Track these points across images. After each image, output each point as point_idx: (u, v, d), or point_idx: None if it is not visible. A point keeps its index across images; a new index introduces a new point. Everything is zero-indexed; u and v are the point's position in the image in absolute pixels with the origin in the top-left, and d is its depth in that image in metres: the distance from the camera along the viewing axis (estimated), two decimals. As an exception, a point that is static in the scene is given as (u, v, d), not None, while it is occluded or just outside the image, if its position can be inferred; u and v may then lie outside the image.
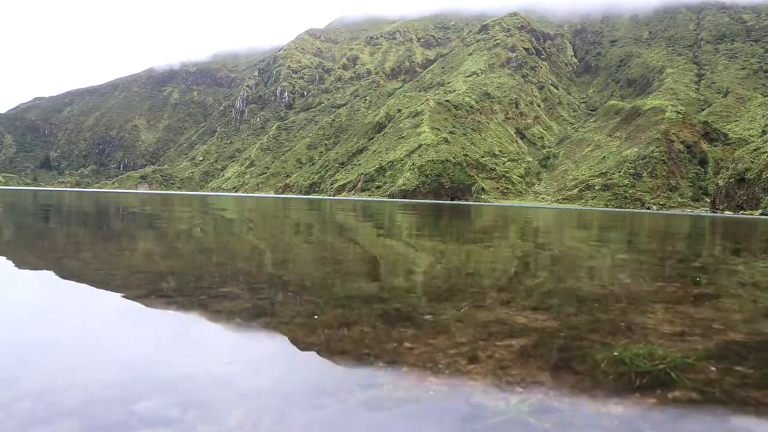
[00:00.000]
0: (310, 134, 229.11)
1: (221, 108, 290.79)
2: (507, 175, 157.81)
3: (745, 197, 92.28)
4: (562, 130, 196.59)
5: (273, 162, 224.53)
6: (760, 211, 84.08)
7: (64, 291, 3.51)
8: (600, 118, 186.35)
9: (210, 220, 13.85)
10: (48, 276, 4.07)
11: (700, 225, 24.52)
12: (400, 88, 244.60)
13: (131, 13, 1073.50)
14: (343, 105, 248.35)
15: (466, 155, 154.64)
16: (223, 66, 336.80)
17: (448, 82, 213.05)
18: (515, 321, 2.92)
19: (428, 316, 2.95)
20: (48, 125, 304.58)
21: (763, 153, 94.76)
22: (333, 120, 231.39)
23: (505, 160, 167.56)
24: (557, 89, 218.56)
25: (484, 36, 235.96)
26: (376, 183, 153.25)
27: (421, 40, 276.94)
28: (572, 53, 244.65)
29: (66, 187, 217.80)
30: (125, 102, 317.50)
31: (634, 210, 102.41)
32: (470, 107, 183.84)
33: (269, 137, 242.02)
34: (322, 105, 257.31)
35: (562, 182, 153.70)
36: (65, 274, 4.12)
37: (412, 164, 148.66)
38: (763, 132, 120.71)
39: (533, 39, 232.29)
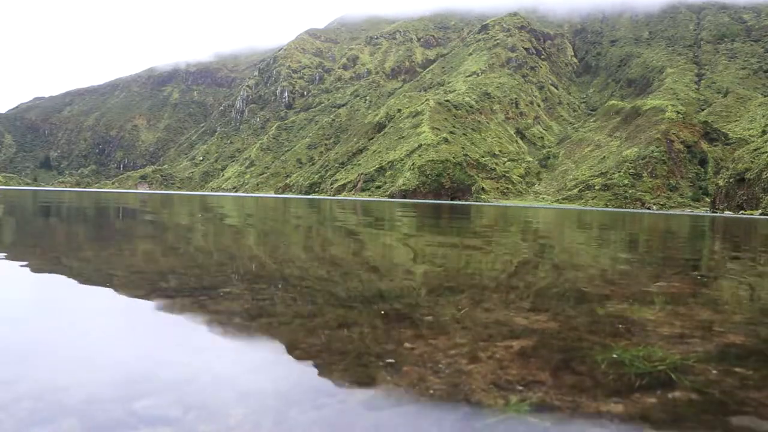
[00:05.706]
0: (310, 134, 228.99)
1: (221, 108, 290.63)
2: (507, 175, 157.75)
3: (745, 197, 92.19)
4: (562, 130, 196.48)
5: (273, 162, 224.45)
6: (760, 211, 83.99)
7: (63, 290, 3.51)
8: (600, 118, 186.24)
9: (210, 220, 13.84)
10: (48, 275, 4.06)
11: (700, 225, 24.50)
12: (400, 88, 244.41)
13: (131, 13, 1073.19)
14: (343, 105, 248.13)
15: (466, 155, 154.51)
16: (223, 66, 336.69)
17: (448, 82, 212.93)
18: (515, 322, 2.91)
19: (428, 317, 2.94)
20: (48, 125, 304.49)
21: (763, 153, 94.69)
22: (333, 120, 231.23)
23: (505, 160, 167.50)
24: (557, 89, 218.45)
25: (484, 36, 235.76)
26: (376, 183, 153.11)
27: (421, 40, 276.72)
28: (572, 53, 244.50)
29: (66, 187, 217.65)
30: (125, 102, 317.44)
31: (634, 210, 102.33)
32: (470, 107, 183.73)
33: (269, 137, 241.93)
34: (322, 105, 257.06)
35: (562, 182, 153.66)
36: (65, 273, 4.11)
37: (412, 164, 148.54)
38: (763, 132, 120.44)
39: (533, 39, 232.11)
